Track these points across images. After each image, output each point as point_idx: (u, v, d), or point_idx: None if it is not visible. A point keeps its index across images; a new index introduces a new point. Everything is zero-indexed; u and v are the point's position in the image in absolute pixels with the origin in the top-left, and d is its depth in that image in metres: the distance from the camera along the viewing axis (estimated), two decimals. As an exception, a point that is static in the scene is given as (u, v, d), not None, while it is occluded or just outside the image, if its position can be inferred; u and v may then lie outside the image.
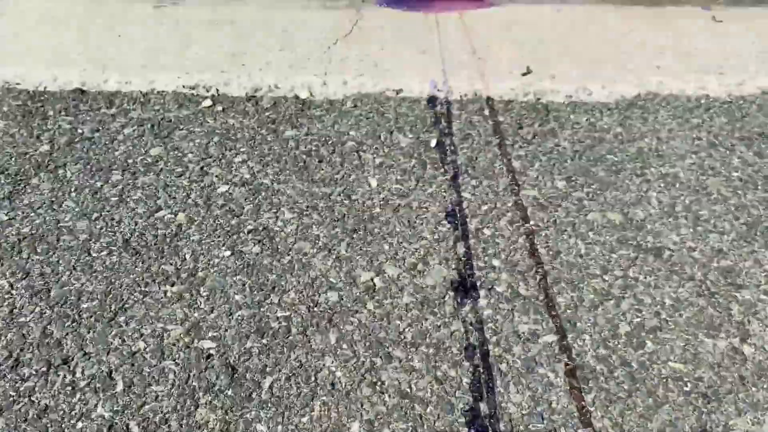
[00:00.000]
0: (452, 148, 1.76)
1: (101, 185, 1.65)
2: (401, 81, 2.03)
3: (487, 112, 1.89)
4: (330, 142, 1.79)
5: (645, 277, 1.39)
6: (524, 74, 2.02)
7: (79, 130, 1.84)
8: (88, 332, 1.29)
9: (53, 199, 1.61)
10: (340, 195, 1.61)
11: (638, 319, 1.31)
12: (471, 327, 1.30)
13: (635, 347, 1.26)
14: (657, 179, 1.63)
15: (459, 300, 1.35)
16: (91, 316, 1.32)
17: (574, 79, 2.00)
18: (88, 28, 2.32)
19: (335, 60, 2.14)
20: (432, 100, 1.95)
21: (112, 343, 1.28)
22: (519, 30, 2.29)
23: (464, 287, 1.38)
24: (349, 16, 2.40)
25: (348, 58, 2.15)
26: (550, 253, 1.45)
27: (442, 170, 1.69)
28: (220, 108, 1.92)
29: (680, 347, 1.26)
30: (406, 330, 1.29)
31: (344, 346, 1.27)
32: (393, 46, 2.21)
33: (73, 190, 1.64)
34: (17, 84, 2.02)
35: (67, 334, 1.29)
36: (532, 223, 1.52)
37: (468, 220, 1.53)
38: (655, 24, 2.29)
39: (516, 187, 1.62)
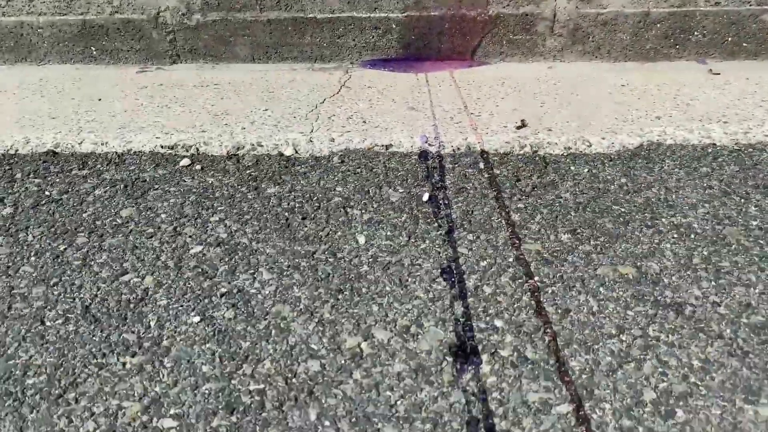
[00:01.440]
0: (446, 202, 1.64)
1: (64, 249, 1.51)
2: (391, 136, 1.93)
3: (481, 165, 1.78)
4: (315, 199, 1.66)
5: (667, 336, 1.23)
6: (519, 127, 1.93)
7: (47, 192, 1.72)
8: (31, 412, 1.11)
9: (9, 264, 1.46)
10: (324, 253, 1.47)
11: (664, 384, 1.14)
12: (473, 397, 1.12)
13: (664, 417, 1.08)
14: (670, 230, 1.50)
15: (458, 366, 1.18)
16: (36, 394, 1.15)
17: (571, 131, 1.91)
18: (69, 94, 2.25)
19: (322, 118, 2.06)
20: (423, 155, 1.84)
21: (57, 424, 1.09)
22: (511, 86, 2.23)
23: (464, 352, 1.21)
24: (338, 77, 2.34)
25: (335, 116, 2.07)
26: (559, 311, 1.29)
27: (436, 225, 1.55)
28: (198, 167, 1.81)
29: (717, 416, 1.08)
30: (399, 402, 1.12)
31: (326, 422, 1.09)
32: (382, 104, 2.13)
33: (32, 254, 1.50)
34: (-13, 147, 1.93)
35: (5, 414, 1.11)
36: (536, 279, 1.37)
37: (465, 276, 1.38)
38: (650, 77, 2.23)
39: (517, 241, 1.48)
